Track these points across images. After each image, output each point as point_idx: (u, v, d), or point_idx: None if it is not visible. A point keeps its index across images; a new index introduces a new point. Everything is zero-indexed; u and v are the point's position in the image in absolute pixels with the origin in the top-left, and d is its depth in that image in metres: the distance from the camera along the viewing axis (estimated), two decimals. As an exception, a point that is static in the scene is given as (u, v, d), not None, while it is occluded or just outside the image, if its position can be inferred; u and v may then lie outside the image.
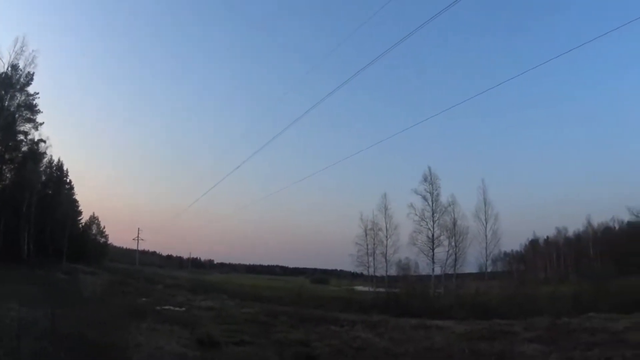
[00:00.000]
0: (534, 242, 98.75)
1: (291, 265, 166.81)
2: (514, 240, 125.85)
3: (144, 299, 34.00)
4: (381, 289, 56.06)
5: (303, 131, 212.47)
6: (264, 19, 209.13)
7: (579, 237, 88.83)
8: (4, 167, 54.94)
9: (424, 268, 58.96)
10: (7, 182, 55.08)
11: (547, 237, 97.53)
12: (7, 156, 54.74)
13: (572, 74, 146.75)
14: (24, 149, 57.17)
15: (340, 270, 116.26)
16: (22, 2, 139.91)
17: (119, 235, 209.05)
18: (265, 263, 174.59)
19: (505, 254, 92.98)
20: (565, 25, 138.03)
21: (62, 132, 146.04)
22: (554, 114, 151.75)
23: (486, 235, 56.60)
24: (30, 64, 53.78)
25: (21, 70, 53.60)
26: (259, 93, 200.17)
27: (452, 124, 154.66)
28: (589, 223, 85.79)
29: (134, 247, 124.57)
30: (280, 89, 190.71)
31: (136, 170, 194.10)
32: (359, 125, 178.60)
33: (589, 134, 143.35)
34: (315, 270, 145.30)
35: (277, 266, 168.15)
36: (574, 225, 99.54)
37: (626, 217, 72.47)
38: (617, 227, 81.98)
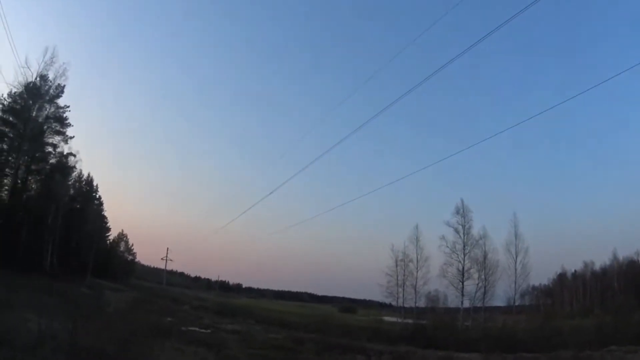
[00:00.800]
0: (562, 276, 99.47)
1: (319, 292, 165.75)
2: (542, 274, 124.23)
3: (169, 319, 33.53)
4: (409, 320, 55.20)
5: (336, 160, 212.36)
6: (312, 44, 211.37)
7: (604, 271, 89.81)
8: (30, 178, 54.72)
9: (452, 300, 58.77)
10: (33, 192, 54.88)
11: (575, 270, 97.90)
12: (33, 167, 54.38)
13: (604, 111, 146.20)
14: (52, 161, 56.97)
15: (369, 300, 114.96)
16: (53, 15, 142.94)
17: (147, 254, 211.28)
18: (293, 289, 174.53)
19: (534, 287, 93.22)
20: (603, 57, 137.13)
21: (94, 148, 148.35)
22: (585, 149, 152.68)
23: (516, 269, 56.22)
24: (60, 76, 53.23)
25: (51, 82, 53.06)
26: (295, 119, 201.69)
27: (486, 157, 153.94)
28: (615, 257, 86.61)
29: (162, 266, 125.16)
30: (317, 115, 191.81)
31: (168, 190, 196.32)
32: (393, 155, 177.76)
33: (618, 169, 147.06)
34: (343, 298, 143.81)
35: (305, 293, 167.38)
36: (601, 258, 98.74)
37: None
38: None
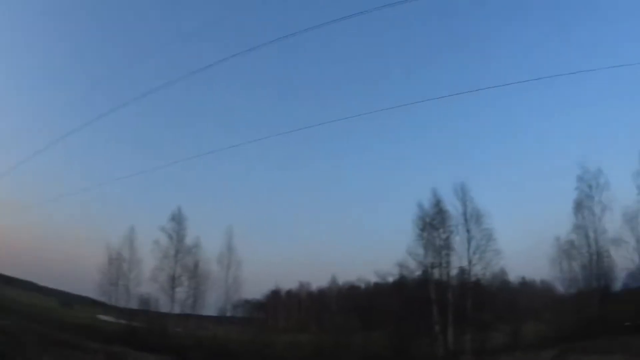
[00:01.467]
0: (275, 293, 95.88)
1: (41, 283, 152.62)
2: (257, 289, 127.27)
3: None
4: (123, 321, 56.41)
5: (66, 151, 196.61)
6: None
7: (322, 292, 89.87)
8: None
9: (164, 305, 57.98)
10: None
11: (290, 289, 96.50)
12: None
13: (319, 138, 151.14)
14: None
15: (85, 297, 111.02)
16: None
17: None
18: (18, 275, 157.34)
19: (247, 301, 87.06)
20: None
21: None
22: (306, 173, 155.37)
23: (227, 281, 56.39)
24: None
25: None
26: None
27: (208, 167, 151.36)
28: (334, 281, 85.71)
29: None
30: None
31: None
32: (119, 153, 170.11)
33: (337, 197, 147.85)
34: (61, 292, 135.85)
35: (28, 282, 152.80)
36: (319, 282, 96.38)
37: (373, 279, 72.41)
38: (363, 286, 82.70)
